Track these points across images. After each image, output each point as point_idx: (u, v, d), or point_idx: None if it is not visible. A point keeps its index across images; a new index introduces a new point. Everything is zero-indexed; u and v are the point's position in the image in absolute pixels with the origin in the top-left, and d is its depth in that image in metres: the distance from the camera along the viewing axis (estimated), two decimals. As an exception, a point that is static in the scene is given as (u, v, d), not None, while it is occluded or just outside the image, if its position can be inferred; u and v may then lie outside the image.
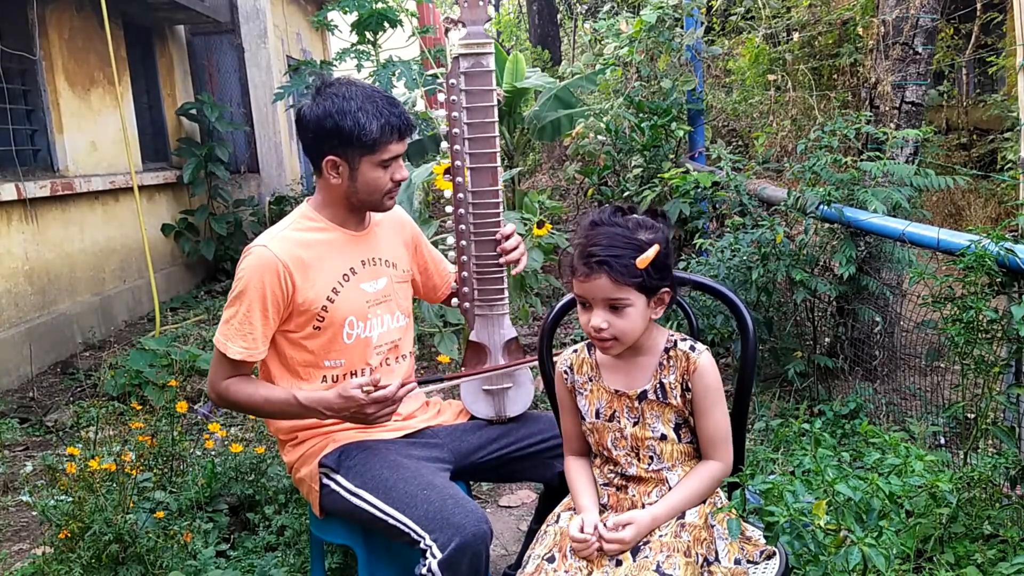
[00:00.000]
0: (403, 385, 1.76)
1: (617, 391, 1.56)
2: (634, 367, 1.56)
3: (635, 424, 1.54)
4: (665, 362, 1.54)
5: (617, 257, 1.44)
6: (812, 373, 3.34)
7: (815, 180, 3.21)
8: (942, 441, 2.82)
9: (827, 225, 3.23)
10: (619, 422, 1.55)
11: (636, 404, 1.54)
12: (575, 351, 1.64)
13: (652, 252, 1.44)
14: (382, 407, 1.74)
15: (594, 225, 1.48)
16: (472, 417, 2.03)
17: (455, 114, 1.90)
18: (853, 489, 1.35)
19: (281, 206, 7.51)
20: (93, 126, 5.82)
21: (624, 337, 1.48)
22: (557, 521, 1.58)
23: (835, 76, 5.83)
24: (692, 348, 1.54)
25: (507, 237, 1.95)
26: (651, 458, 1.54)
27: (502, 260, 1.96)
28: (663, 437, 1.54)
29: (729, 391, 1.80)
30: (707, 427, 1.54)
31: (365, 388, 1.71)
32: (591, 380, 1.59)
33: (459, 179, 1.93)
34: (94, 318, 5.57)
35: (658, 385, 1.54)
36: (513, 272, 2.01)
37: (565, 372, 1.63)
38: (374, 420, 1.75)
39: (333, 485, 1.81)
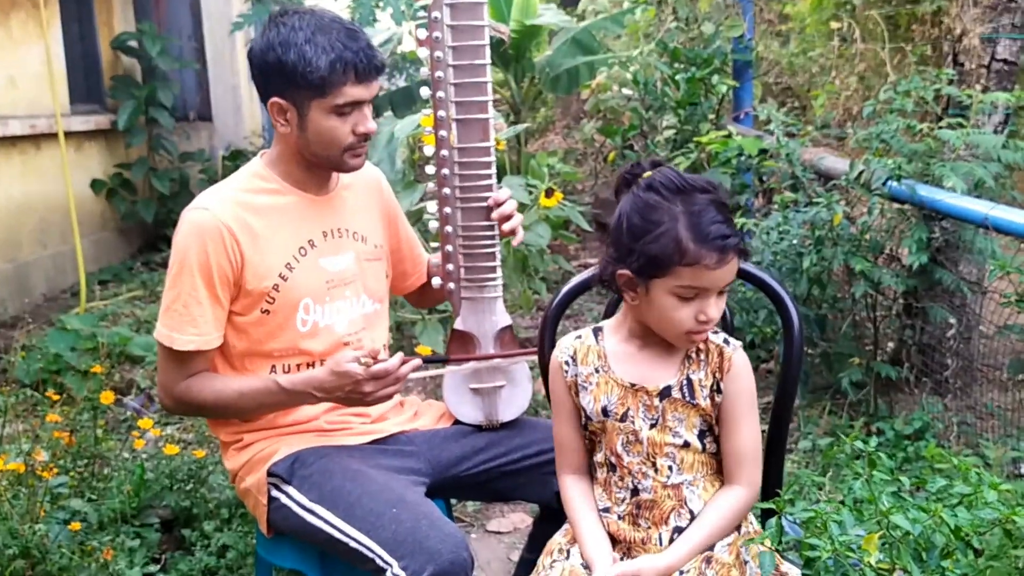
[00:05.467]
0: (406, 361, 1.77)
1: (633, 385, 1.56)
2: (654, 359, 1.57)
3: (653, 427, 1.55)
4: (694, 355, 1.56)
5: (740, 235, 1.49)
6: (871, 384, 3.34)
7: (883, 150, 3.20)
8: (1024, 470, 2.82)
9: (896, 205, 3.22)
10: (633, 423, 1.55)
11: (656, 403, 1.55)
12: (579, 337, 1.64)
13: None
14: (382, 384, 1.75)
15: (689, 191, 1.48)
16: (456, 421, 2.03)
17: (438, 54, 1.90)
18: (912, 521, 1.34)
19: (237, 162, 7.50)
20: (11, 58, 5.80)
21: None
22: (567, 557, 1.58)
23: (915, 26, 5.80)
24: (726, 342, 1.56)
25: (500, 204, 1.94)
26: (670, 468, 1.55)
27: (505, 227, 1.95)
28: (685, 444, 1.55)
29: (769, 402, 1.80)
30: (736, 441, 1.56)
31: (363, 360, 1.73)
32: (598, 371, 1.59)
33: (443, 133, 1.93)
34: (6, 289, 5.57)
35: (685, 381, 1.55)
36: (514, 243, 2.01)
37: (565, 364, 1.62)
38: (372, 401, 1.78)
39: (284, 498, 1.81)
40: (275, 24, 1.78)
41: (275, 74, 1.77)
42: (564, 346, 1.64)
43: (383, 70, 1.82)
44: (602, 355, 1.60)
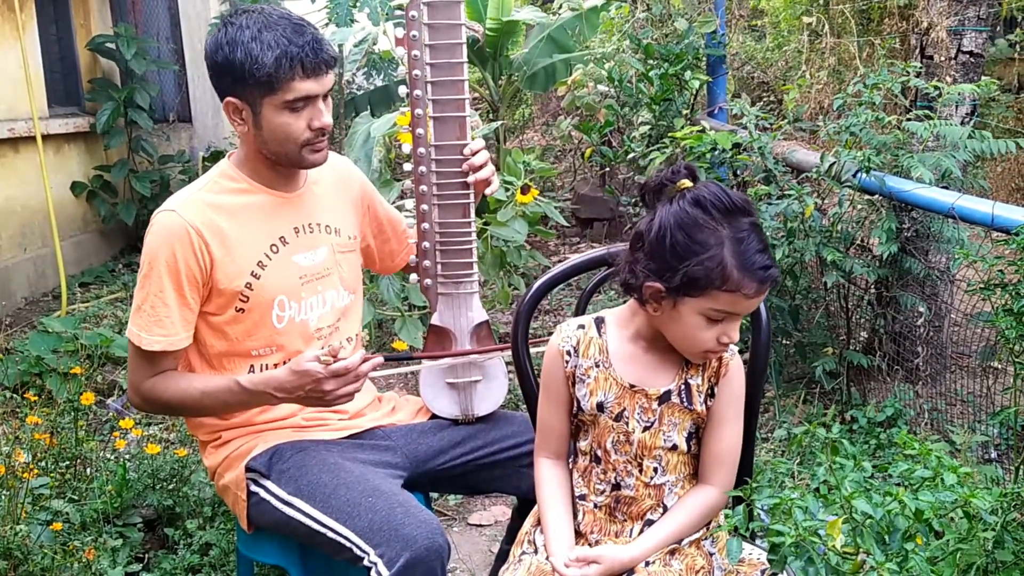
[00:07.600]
0: (367, 359, 1.77)
1: (632, 386, 1.55)
2: (655, 361, 1.56)
3: (646, 429, 1.55)
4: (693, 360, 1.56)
5: (777, 266, 1.48)
6: (844, 372, 3.37)
7: (853, 143, 3.23)
8: (994, 454, 2.86)
9: (866, 196, 3.25)
10: (627, 423, 1.55)
11: (654, 406, 1.55)
12: (581, 327, 1.60)
13: None
14: (343, 382, 1.75)
15: (735, 212, 1.45)
16: (433, 416, 2.05)
17: (415, 53, 1.91)
18: (874, 506, 1.36)
19: (217, 163, 7.46)
20: (-12, 61, 5.77)
21: None
22: (536, 552, 1.59)
23: (887, 19, 5.84)
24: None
25: (475, 152, 1.95)
26: (655, 470, 1.56)
27: (469, 179, 1.95)
28: (673, 447, 1.56)
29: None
30: (718, 442, 1.57)
31: (322, 359, 1.73)
32: (598, 366, 1.57)
33: (420, 131, 1.94)
34: (-13, 294, 5.54)
35: (683, 386, 1.55)
36: (487, 192, 2.00)
37: (567, 354, 1.59)
38: (333, 400, 1.77)
39: (263, 493, 1.82)
40: (224, 24, 1.80)
41: (226, 74, 1.79)
42: (567, 335, 1.60)
43: (334, 64, 1.83)
44: (604, 350, 1.58)
